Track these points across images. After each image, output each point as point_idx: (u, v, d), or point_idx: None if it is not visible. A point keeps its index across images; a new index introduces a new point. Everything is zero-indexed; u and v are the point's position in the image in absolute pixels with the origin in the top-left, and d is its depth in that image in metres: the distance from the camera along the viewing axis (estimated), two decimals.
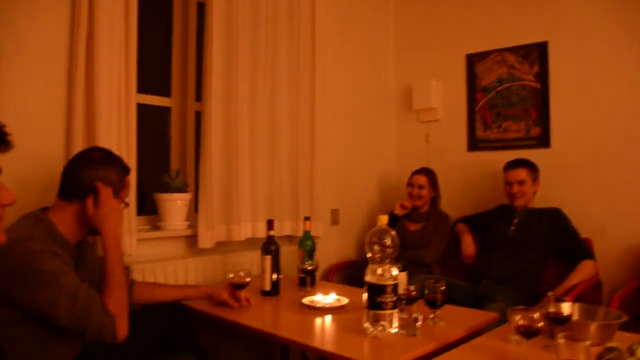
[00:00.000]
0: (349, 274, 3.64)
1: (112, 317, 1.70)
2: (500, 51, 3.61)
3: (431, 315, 2.03)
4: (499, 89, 3.61)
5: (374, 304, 1.81)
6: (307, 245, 2.67)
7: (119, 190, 1.91)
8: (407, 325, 1.88)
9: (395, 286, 1.82)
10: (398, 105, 4.17)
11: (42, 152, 2.29)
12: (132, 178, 2.23)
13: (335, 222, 3.69)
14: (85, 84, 2.34)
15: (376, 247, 1.82)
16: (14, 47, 2.22)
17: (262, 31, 3.05)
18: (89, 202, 1.82)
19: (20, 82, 2.23)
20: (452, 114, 3.85)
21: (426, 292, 1.99)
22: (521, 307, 1.64)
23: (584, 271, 2.86)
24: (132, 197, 2.36)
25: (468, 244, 3.27)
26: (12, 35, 2.21)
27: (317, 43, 3.32)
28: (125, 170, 1.97)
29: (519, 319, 1.60)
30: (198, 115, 3.01)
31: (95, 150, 1.96)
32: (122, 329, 1.72)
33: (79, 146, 2.28)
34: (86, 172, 1.86)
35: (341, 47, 3.74)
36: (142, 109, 2.65)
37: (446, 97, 3.88)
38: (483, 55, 3.69)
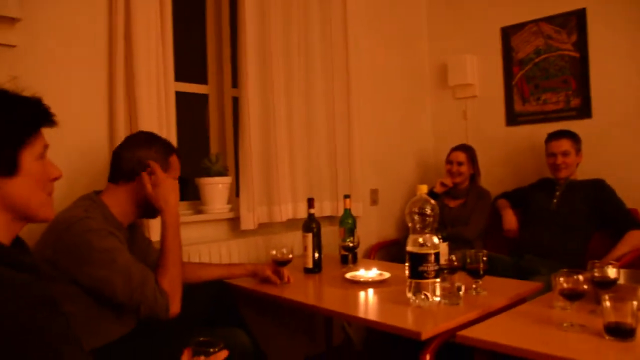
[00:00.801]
0: (389, 253, 3.66)
1: (166, 294, 1.75)
2: (536, 22, 3.54)
3: (474, 285, 2.03)
4: (536, 60, 3.55)
5: (416, 273, 1.83)
6: (347, 223, 2.70)
7: (164, 169, 1.94)
8: (450, 295, 1.90)
9: (437, 255, 1.83)
10: (433, 82, 4.14)
11: (87, 142, 2.38)
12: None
13: (374, 202, 3.71)
14: (125, 75, 2.41)
15: (416, 217, 1.83)
16: (59, 43, 2.31)
17: (294, 14, 3.07)
18: (147, 181, 1.88)
19: (64, 76, 2.33)
20: (489, 89, 3.81)
21: (468, 261, 2.00)
22: (565, 269, 1.63)
23: (631, 241, 2.81)
24: None
25: (510, 219, 3.24)
26: (57, 31, 2.31)
27: (349, 23, 3.32)
28: (170, 149, 2.00)
29: (563, 282, 1.59)
30: (235, 101, 3.06)
31: (139, 133, 2.04)
32: (175, 305, 1.78)
33: (121, 135, 2.36)
34: (129, 153, 1.93)
35: (373, 25, 3.73)
36: (180, 97, 2.71)
37: (482, 73, 3.83)
38: (518, 27, 3.63)
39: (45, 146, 1.13)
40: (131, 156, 1.92)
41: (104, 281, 1.70)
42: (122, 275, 1.70)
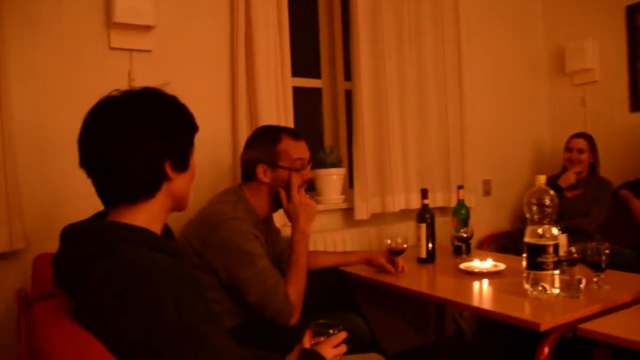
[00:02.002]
0: (503, 244, 3.59)
1: (291, 304, 1.87)
2: None
3: (595, 279, 1.98)
4: None
5: (534, 265, 1.81)
6: (461, 213, 2.69)
7: (274, 161, 2.01)
8: (570, 287, 1.86)
9: (556, 246, 1.80)
10: (549, 68, 3.99)
11: (213, 137, 2.57)
12: None
13: (487, 192, 3.66)
14: (246, 73, 2.57)
15: (535, 208, 1.82)
16: (187, 47, 2.52)
17: (405, 5, 3.09)
18: (282, 195, 2.02)
19: (192, 77, 2.53)
20: (611, 73, 3.61)
21: (589, 254, 1.95)
22: None
23: None
24: None
25: None
26: (185, 36, 2.52)
27: (461, 10, 3.30)
28: (273, 139, 2.03)
29: None
30: (348, 94, 3.15)
31: (252, 133, 2.17)
32: (296, 316, 1.89)
33: (243, 130, 2.54)
34: (245, 155, 2.09)
35: (486, 13, 3.66)
36: (295, 91, 2.83)
37: (603, 56, 3.64)
38: None
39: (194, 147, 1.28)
40: (243, 157, 2.09)
41: (241, 281, 1.85)
42: (258, 280, 1.84)
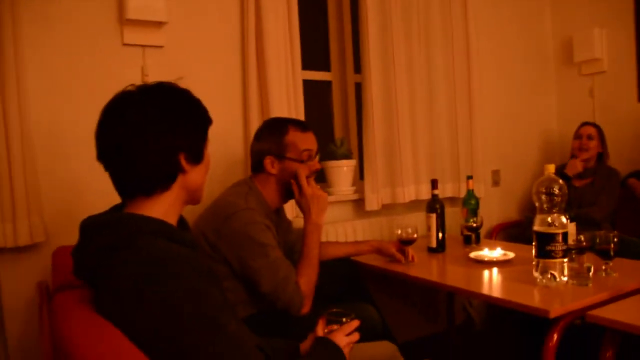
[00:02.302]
0: (512, 234, 3.61)
1: (302, 295, 1.91)
2: None
3: (603, 267, 2.00)
4: None
5: (543, 253, 1.84)
6: (470, 203, 2.72)
7: (281, 153, 2.04)
8: (579, 275, 1.88)
9: (565, 234, 1.82)
10: (557, 59, 3.99)
11: (225, 130, 2.61)
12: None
13: (496, 182, 3.68)
14: (257, 67, 2.61)
15: (544, 197, 1.84)
16: (198, 42, 2.56)
17: None
18: (295, 187, 2.05)
19: (204, 71, 2.57)
20: (620, 63, 3.61)
21: (597, 242, 1.97)
22: None
23: None
24: None
25: None
26: (196, 31, 2.55)
27: (469, 2, 3.30)
28: (280, 131, 2.06)
29: None
30: (357, 87, 3.17)
31: (262, 124, 2.20)
32: (307, 306, 1.93)
33: (254, 123, 2.56)
34: (254, 147, 2.13)
35: (494, 3, 3.67)
36: (305, 84, 2.85)
37: (612, 46, 3.63)
38: None
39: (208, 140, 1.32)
40: (254, 151, 2.12)
41: (253, 271, 1.88)
42: (270, 271, 1.88)
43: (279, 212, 2.22)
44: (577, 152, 3.34)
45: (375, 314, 2.08)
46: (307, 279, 1.95)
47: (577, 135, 3.37)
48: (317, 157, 2.16)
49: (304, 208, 2.05)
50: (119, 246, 1.10)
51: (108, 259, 1.10)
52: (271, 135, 2.08)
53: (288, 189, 2.08)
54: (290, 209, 2.62)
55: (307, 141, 2.08)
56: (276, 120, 2.17)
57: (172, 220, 1.24)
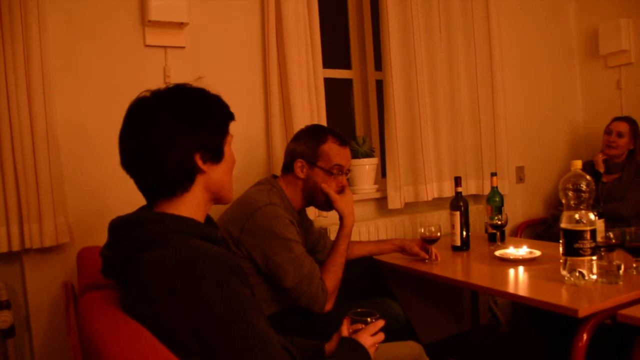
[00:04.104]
0: (537, 231, 3.56)
1: (327, 292, 1.91)
2: None
3: (634, 265, 1.96)
4: None
5: (571, 251, 1.80)
6: (495, 201, 2.68)
7: (313, 160, 2.07)
8: (608, 273, 1.84)
9: (594, 232, 1.79)
10: (582, 51, 3.91)
11: (247, 129, 2.61)
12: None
13: (520, 179, 3.63)
14: (278, 66, 2.60)
15: (571, 193, 1.80)
16: (219, 42, 2.56)
17: None
18: (330, 192, 2.08)
19: (226, 71, 2.57)
20: None
21: (627, 239, 1.92)
22: None
23: None
24: None
25: None
26: (217, 32, 2.56)
27: None
28: (318, 140, 2.09)
29: None
30: (378, 84, 3.15)
31: (303, 128, 2.20)
32: (330, 303, 1.94)
33: (276, 123, 2.57)
34: (289, 144, 2.15)
35: None
36: (326, 82, 2.84)
37: (639, 36, 3.55)
38: None
39: (232, 136, 1.31)
40: (289, 150, 2.13)
41: (277, 266, 1.89)
42: (295, 265, 1.88)
43: (301, 212, 2.22)
44: (604, 148, 3.28)
45: (400, 311, 2.07)
46: (335, 277, 1.96)
47: (608, 131, 3.29)
48: (348, 175, 2.19)
49: (339, 213, 2.08)
50: (153, 244, 1.11)
51: (139, 258, 1.10)
52: (309, 139, 2.10)
53: (310, 197, 2.11)
54: (312, 209, 2.60)
55: (342, 156, 2.10)
56: (319, 127, 2.19)
57: (200, 219, 1.24)
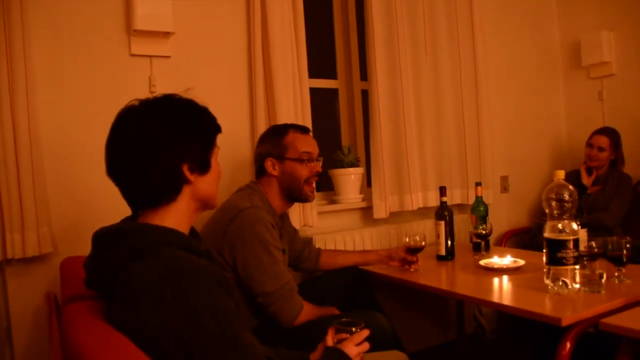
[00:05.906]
0: (521, 240, 3.59)
1: (302, 305, 1.93)
2: None
3: (616, 273, 1.97)
4: None
5: (555, 260, 1.82)
6: (479, 210, 2.70)
7: (281, 154, 2.08)
8: (591, 282, 1.86)
9: (577, 241, 1.80)
10: (565, 62, 3.96)
11: (233, 138, 2.60)
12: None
13: (505, 189, 3.65)
14: (264, 76, 2.61)
15: (554, 203, 1.82)
16: (205, 51, 2.56)
17: (419, 3, 3.10)
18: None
19: (211, 80, 2.57)
20: (628, 66, 3.57)
21: (609, 248, 1.94)
22: None
23: None
24: None
25: None
26: (203, 41, 2.56)
27: (475, 7, 3.29)
28: (279, 132, 2.13)
29: None
30: (364, 94, 3.17)
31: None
32: (301, 319, 1.93)
33: (262, 132, 2.54)
34: (255, 151, 2.19)
35: (500, 8, 3.65)
36: (312, 92, 2.84)
37: (620, 49, 3.60)
38: None
39: (218, 148, 1.31)
40: (256, 154, 2.17)
41: (257, 268, 1.88)
42: (274, 271, 1.89)
43: (284, 217, 2.22)
44: (587, 160, 3.32)
45: (385, 322, 2.05)
46: (306, 317, 1.94)
47: (589, 144, 3.32)
48: (321, 161, 2.18)
49: None
50: (140, 255, 1.11)
51: (124, 269, 1.10)
52: (271, 137, 2.13)
53: (290, 191, 2.11)
54: (298, 218, 2.61)
55: (306, 143, 2.13)
56: (277, 125, 2.25)
57: (185, 229, 1.24)
